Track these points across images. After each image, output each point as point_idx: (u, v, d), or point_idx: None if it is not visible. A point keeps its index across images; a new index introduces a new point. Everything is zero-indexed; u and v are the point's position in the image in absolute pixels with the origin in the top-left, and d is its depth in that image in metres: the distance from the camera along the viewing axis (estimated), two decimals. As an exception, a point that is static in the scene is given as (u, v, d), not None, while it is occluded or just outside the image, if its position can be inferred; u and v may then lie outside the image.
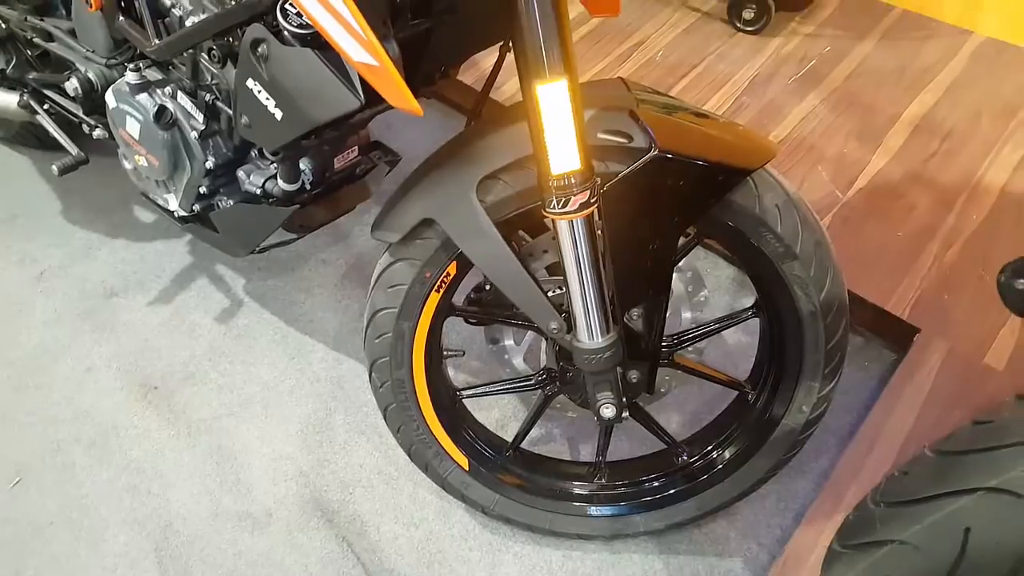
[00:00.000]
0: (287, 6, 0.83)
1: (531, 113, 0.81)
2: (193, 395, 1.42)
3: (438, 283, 1.01)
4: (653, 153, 0.86)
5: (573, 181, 0.83)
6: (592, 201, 0.85)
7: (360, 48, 0.75)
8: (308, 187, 1.16)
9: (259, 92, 0.89)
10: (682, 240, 0.99)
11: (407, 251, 0.99)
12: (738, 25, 2.04)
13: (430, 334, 1.05)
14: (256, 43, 0.85)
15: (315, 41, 0.82)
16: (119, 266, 1.62)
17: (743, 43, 2.02)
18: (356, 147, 1.24)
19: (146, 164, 1.20)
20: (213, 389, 1.43)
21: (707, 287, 1.10)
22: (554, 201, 0.84)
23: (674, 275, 1.03)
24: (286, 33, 0.83)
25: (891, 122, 1.80)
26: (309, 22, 0.80)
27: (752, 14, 2.01)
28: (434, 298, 1.02)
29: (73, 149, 1.28)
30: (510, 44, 0.89)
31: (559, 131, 0.80)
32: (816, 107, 1.85)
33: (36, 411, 1.40)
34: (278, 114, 0.89)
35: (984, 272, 1.49)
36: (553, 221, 0.87)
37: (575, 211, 0.85)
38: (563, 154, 0.81)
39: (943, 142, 1.76)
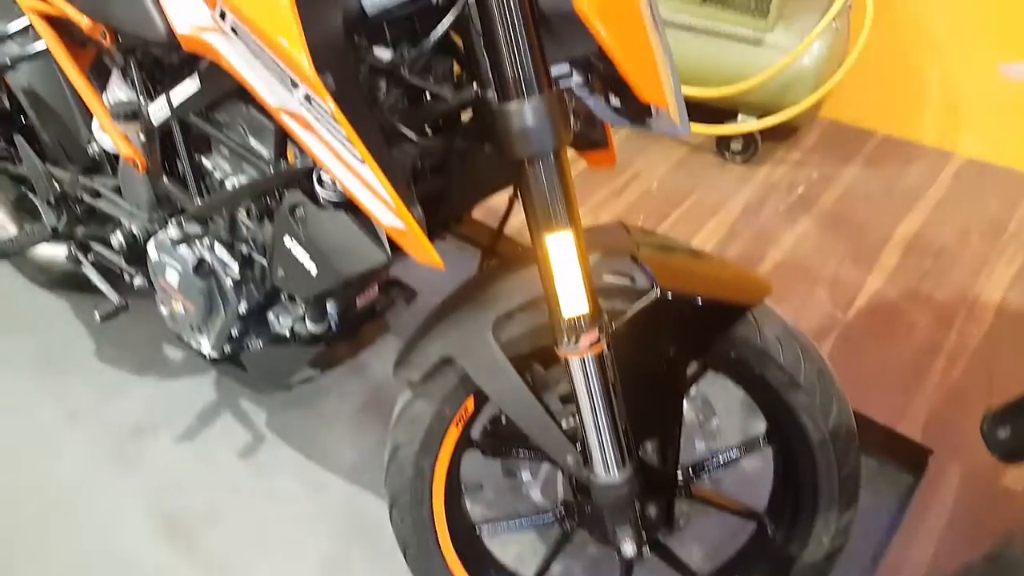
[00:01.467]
0: (322, 175, 0.92)
1: (541, 261, 0.88)
2: (215, 532, 1.43)
3: (456, 418, 1.06)
4: (656, 293, 0.92)
5: (583, 322, 0.89)
6: (601, 339, 0.91)
7: (390, 214, 0.83)
8: (333, 327, 1.23)
9: (296, 249, 0.97)
10: (689, 370, 1.05)
11: (427, 389, 1.04)
12: (727, 155, 2.18)
13: (449, 469, 1.09)
14: (294, 207, 0.95)
15: (347, 205, 0.91)
16: (147, 403, 1.67)
17: (733, 172, 2.15)
18: (376, 285, 1.32)
19: (182, 310, 1.28)
20: (234, 526, 1.44)
21: (718, 414, 1.14)
22: (566, 340, 0.90)
23: (685, 404, 1.07)
24: (322, 198, 0.93)
25: (883, 242, 1.89)
26: (342, 189, 0.89)
27: (740, 145, 2.15)
28: (453, 433, 1.06)
29: (114, 297, 1.37)
30: (518, 193, 0.98)
31: (567, 277, 0.87)
32: (809, 231, 1.94)
33: (63, 547, 1.41)
34: (313, 269, 0.97)
35: (990, 391, 1.53)
36: (566, 358, 0.92)
37: (586, 349, 0.90)
38: (572, 298, 0.88)
39: (936, 260, 1.84)
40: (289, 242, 0.97)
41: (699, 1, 1.98)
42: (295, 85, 0.78)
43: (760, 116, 2.10)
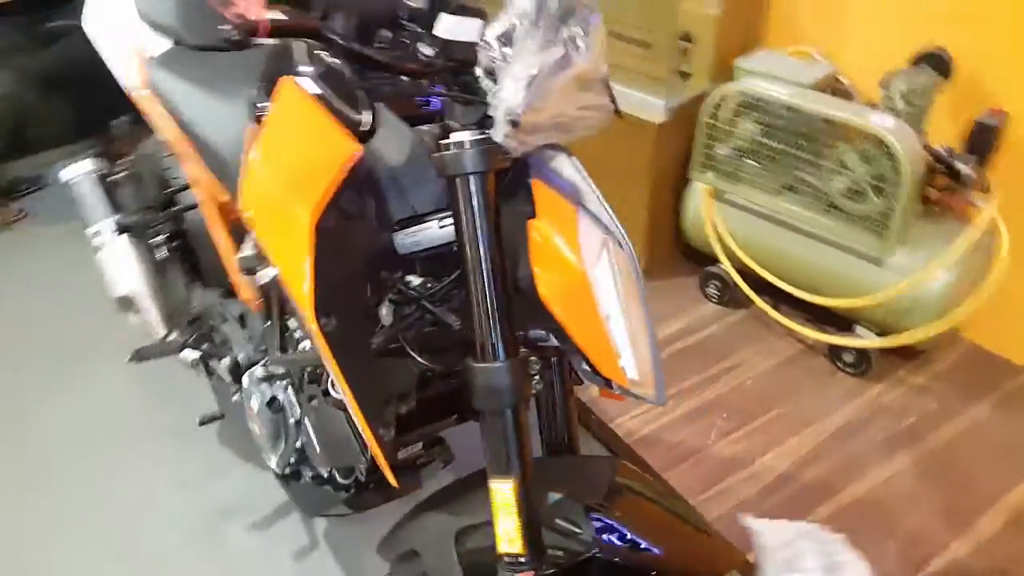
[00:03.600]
0: (334, 377, 1.10)
1: (489, 497, 0.97)
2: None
3: (424, 607, 1.15)
4: (591, 553, 0.97)
5: (521, 560, 0.96)
6: (539, 582, 0.97)
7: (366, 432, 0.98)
8: (362, 478, 1.39)
9: (310, 428, 1.16)
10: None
11: (400, 570, 1.16)
12: (839, 365, 2.08)
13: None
14: (312, 397, 1.14)
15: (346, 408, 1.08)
16: (242, 487, 1.91)
17: (842, 384, 2.05)
18: (422, 442, 1.47)
19: (258, 432, 1.52)
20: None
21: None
22: (504, 570, 0.98)
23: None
24: (332, 395, 1.10)
25: (986, 504, 1.70)
26: (342, 395, 1.06)
27: (853, 358, 2.05)
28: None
29: (216, 407, 1.65)
30: None
31: (505, 521, 0.95)
32: (904, 469, 1.80)
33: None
34: (318, 447, 1.15)
35: None
36: (509, 588, 0.99)
37: (521, 587, 0.97)
38: (508, 540, 0.96)
39: (1045, 540, 1.62)
40: (307, 422, 1.16)
41: (823, 210, 1.96)
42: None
43: (880, 332, 2.00)
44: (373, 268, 1.06)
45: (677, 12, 2.12)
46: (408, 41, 0.83)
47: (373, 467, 1.39)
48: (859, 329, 2.04)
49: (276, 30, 0.73)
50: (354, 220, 1.02)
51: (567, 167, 0.97)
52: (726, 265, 2.22)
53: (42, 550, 1.81)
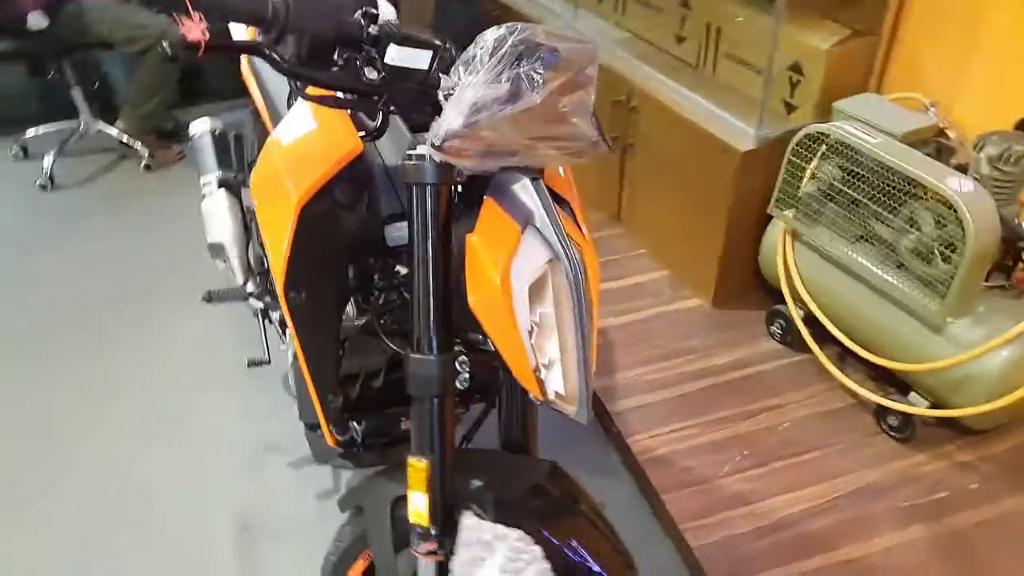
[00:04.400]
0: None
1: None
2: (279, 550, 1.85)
3: (366, 553, 1.30)
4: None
5: (432, 532, 1.08)
6: (437, 552, 1.08)
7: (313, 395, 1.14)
8: (358, 439, 1.55)
9: (293, 383, 1.33)
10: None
11: (355, 519, 1.31)
12: (883, 426, 1.99)
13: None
14: (296, 356, 1.31)
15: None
16: (292, 430, 2.08)
17: (881, 445, 1.95)
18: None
19: (289, 381, 1.72)
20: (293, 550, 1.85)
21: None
22: (414, 540, 1.10)
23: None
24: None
25: (997, 599, 1.59)
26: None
27: (896, 421, 1.95)
28: (360, 565, 1.31)
29: (265, 352, 1.89)
30: None
31: (415, 495, 1.07)
32: (916, 540, 1.71)
33: (155, 517, 1.96)
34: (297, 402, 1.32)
35: None
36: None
37: (424, 554, 1.09)
38: (416, 512, 1.07)
39: (1053, 654, 1.50)
40: (291, 378, 1.34)
41: (893, 268, 1.87)
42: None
43: (933, 402, 1.89)
44: (362, 255, 1.21)
45: (775, 40, 2.07)
46: (360, 65, 0.94)
47: (369, 430, 1.57)
48: (912, 395, 1.93)
49: (213, 48, 0.85)
50: (346, 209, 1.17)
51: (526, 190, 1.04)
52: (790, 307, 2.16)
53: (125, 451, 2.14)
